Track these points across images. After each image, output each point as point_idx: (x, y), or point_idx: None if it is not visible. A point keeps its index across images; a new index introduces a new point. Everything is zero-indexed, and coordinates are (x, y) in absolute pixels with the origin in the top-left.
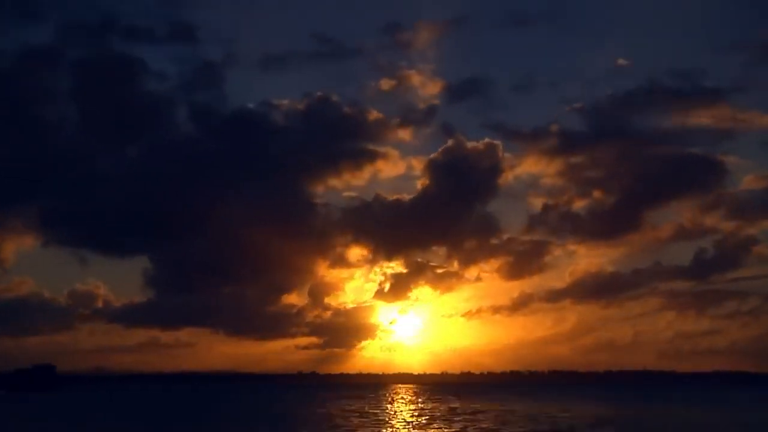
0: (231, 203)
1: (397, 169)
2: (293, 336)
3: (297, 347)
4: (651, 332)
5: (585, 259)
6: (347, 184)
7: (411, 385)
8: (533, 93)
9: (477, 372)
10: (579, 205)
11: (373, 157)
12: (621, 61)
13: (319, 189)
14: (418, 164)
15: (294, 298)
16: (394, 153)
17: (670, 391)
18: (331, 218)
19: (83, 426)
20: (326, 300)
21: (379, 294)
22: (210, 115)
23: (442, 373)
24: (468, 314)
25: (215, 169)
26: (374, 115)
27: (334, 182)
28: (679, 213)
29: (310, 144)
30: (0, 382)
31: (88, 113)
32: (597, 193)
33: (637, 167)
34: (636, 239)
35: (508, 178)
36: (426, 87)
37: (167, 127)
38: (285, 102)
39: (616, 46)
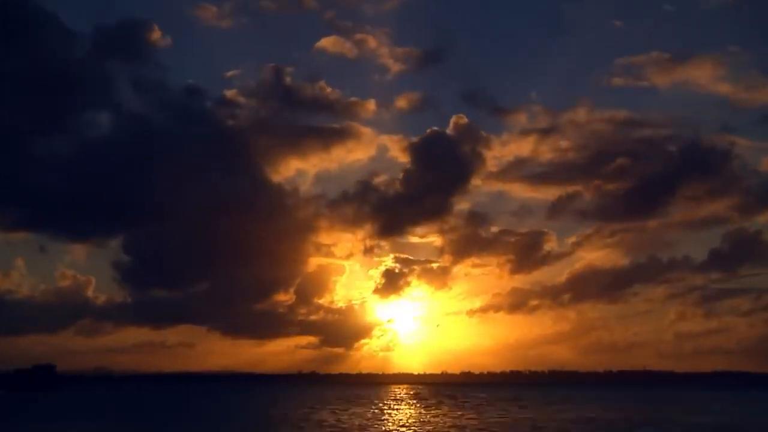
0: (195, 189)
1: (368, 150)
2: (289, 335)
3: (297, 347)
4: (652, 331)
5: (581, 253)
6: (319, 168)
7: (408, 386)
8: (513, 60)
9: (477, 372)
10: (571, 194)
11: (342, 136)
12: (616, 23)
13: (291, 174)
14: (391, 143)
15: (287, 296)
16: (365, 131)
17: (670, 392)
18: (312, 207)
19: (83, 426)
20: (320, 298)
21: (376, 292)
22: (155, 88)
23: (442, 373)
24: (469, 312)
25: (168, 150)
26: (335, 90)
27: (304, 165)
28: (685, 202)
29: (272, 124)
30: (0, 382)
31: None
32: (595, 181)
33: (637, 149)
34: (636, 232)
35: (493, 163)
36: (387, 54)
37: (107, 100)
38: (237, 72)
39: (610, 4)
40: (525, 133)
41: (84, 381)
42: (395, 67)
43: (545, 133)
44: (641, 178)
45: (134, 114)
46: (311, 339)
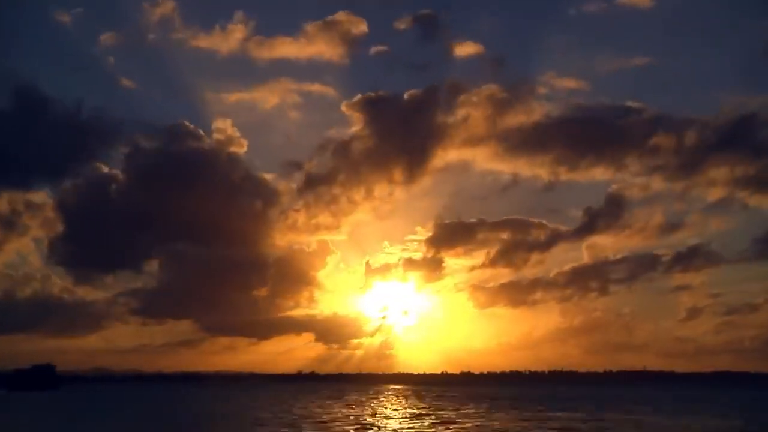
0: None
1: (300, 112)
2: (286, 334)
3: (296, 346)
4: (652, 330)
5: (576, 248)
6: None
7: (403, 386)
8: None
9: (477, 372)
10: (555, 180)
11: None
12: None
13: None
14: (321, 90)
15: (266, 290)
16: (289, 83)
17: (671, 391)
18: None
19: (83, 426)
20: (306, 294)
21: (374, 290)
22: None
23: (443, 373)
24: (465, 307)
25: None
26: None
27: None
28: (701, 182)
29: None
30: (0, 382)
31: None
32: (590, 167)
33: (637, 119)
34: (631, 225)
35: (459, 129)
36: None
37: None
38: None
39: None
40: (489, 87)
41: (84, 381)
42: None
43: (510, 82)
44: (643, 159)
45: None
46: (308, 337)
